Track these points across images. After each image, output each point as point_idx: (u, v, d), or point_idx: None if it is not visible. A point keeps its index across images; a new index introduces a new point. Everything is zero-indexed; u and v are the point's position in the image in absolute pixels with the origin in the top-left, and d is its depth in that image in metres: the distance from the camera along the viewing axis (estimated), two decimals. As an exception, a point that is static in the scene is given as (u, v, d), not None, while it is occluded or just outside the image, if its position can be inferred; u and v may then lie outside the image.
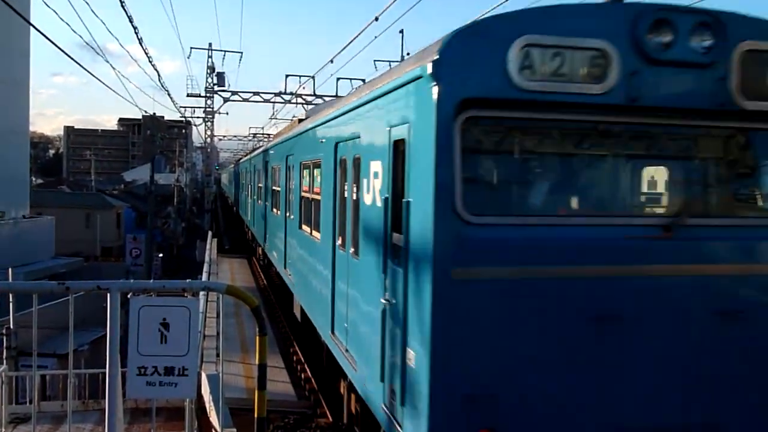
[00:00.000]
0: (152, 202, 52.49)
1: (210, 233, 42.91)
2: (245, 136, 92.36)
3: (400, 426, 6.27)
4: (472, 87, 5.58)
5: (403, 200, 6.24)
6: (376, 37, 29.54)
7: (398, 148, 6.57)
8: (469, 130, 5.73)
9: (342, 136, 9.11)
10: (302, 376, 16.59)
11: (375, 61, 46.16)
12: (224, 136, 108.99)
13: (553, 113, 5.78)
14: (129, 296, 6.35)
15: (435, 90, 5.62)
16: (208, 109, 51.86)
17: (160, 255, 61.00)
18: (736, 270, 6.14)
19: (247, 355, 17.21)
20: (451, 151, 5.60)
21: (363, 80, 47.10)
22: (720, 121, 6.21)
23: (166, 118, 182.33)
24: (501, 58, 5.59)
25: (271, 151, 19.17)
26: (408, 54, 30.17)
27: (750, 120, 6.18)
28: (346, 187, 8.84)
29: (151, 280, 6.73)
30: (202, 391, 10.23)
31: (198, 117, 60.10)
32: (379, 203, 7.15)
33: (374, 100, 7.39)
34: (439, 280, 5.58)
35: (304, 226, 12.74)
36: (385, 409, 6.71)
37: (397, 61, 42.99)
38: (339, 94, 47.66)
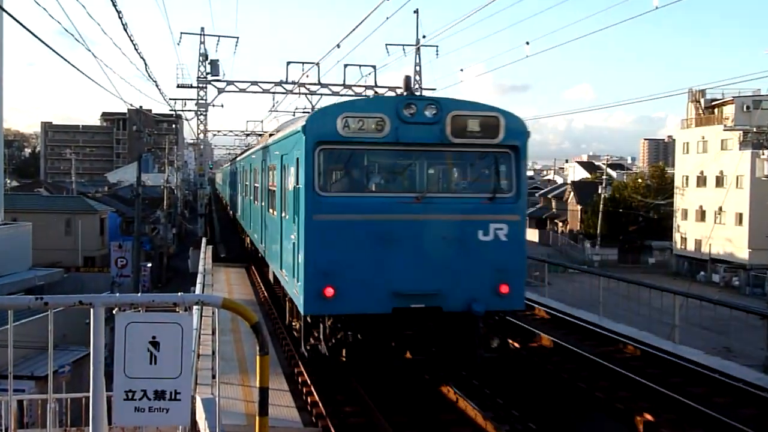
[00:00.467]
0: (139, 205, 52.20)
1: (204, 240, 42.55)
2: (242, 132, 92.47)
3: (292, 289, 16.82)
4: (320, 136, 14.86)
5: (297, 187, 15.94)
6: (388, 17, 30.04)
7: (298, 161, 16.08)
8: (320, 154, 15.28)
9: (283, 152, 19.44)
10: (308, 399, 16.65)
11: (387, 45, 45.77)
12: (219, 131, 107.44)
13: (358, 146, 15.52)
14: (114, 312, 6.32)
15: (304, 137, 15.05)
16: (200, 101, 51.06)
17: (149, 265, 60.50)
18: (451, 218, 16.16)
19: (246, 376, 17.17)
20: (313, 164, 14.78)
21: (374, 67, 46.72)
22: (442, 148, 16.22)
23: (154, 111, 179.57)
24: (333, 123, 14.90)
25: (253, 156, 30.45)
26: (424, 36, 51.32)
27: (456, 147, 16.26)
28: (284, 181, 19.02)
29: (139, 294, 6.75)
30: (197, 417, 10.25)
31: (189, 110, 56.42)
32: (292, 189, 17.24)
33: (289, 137, 17.95)
34: (308, 221, 14.97)
35: (270, 209, 22.61)
36: (288, 284, 17.41)
37: (411, 45, 50.29)
38: (347, 83, 47.50)
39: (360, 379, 18.52)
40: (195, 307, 10.04)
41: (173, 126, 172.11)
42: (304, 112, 51.77)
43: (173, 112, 61.06)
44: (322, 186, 16.50)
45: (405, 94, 17.58)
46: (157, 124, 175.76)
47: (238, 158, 45.54)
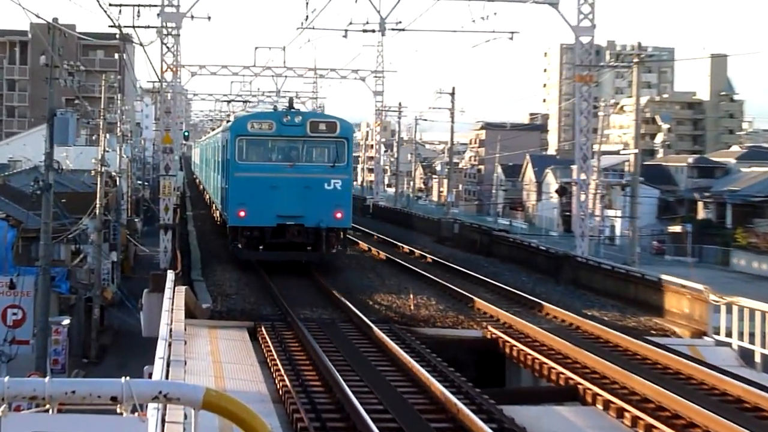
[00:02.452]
0: (50, 208, 33.08)
1: (171, 276, 24.38)
2: (224, 96, 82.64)
3: (225, 214, 36.82)
4: (238, 131, 34.19)
5: (228, 158, 35.29)
6: (356, 0, 41.51)
7: (228, 144, 35.20)
8: (238, 141, 34.10)
9: (223, 136, 38.68)
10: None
11: (346, 30, 49.01)
12: (196, 95, 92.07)
13: (259, 137, 34.10)
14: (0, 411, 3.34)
15: (230, 132, 34.92)
16: (168, 11, 37.26)
17: (66, 322, 38.19)
18: (309, 176, 33.56)
19: None
20: (235, 145, 33.97)
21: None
22: (304, 138, 33.89)
23: (80, 29, 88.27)
24: (245, 125, 34.43)
25: (218, 135, 44.79)
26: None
27: (312, 137, 33.97)
28: (222, 155, 38.44)
29: (47, 378, 3.81)
30: None
31: (147, 27, 37.92)
32: (225, 160, 37.10)
33: (226, 131, 37.95)
34: (232, 175, 34.21)
35: (218, 174, 42.13)
36: (223, 212, 38.33)
37: (371, 30, 50.30)
38: (318, 63, 59.60)
39: (267, 270, 32.78)
40: (152, 405, 6.78)
41: (117, 57, 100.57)
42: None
43: (118, 31, 38.06)
44: (239, 158, 33.70)
45: (288, 108, 35.60)
46: (87, 52, 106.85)
47: (204, 138, 63.96)
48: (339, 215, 33.52)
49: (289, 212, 33.24)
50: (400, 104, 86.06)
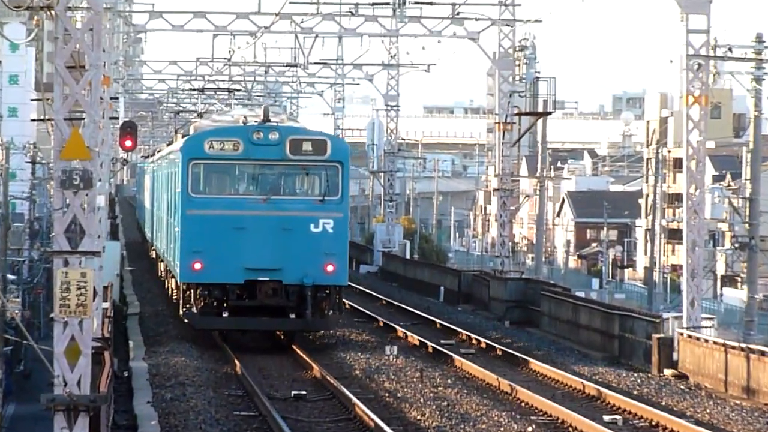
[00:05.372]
0: None
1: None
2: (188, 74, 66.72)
3: (174, 266, 30.13)
4: (192, 154, 28.50)
5: (178, 190, 29.28)
6: None
7: (179, 170, 29.19)
8: (192, 167, 28.47)
9: (173, 160, 33.23)
10: None
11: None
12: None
13: (220, 160, 28.64)
14: None
15: (181, 154, 29.11)
16: None
17: None
18: (289, 214, 27.91)
19: None
20: (187, 173, 28.25)
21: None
22: (283, 163, 28.42)
23: None
24: (201, 145, 28.35)
25: (167, 157, 37.83)
26: None
27: (293, 162, 28.33)
28: (171, 186, 32.96)
29: None
30: None
31: None
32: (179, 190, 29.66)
33: (175, 152, 31.94)
34: (184, 213, 28.31)
35: (165, 212, 35.67)
36: (172, 264, 31.29)
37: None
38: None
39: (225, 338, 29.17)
40: None
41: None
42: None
43: None
44: (192, 190, 28.51)
45: (261, 121, 29.01)
46: None
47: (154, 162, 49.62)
48: (330, 268, 27.57)
49: (261, 264, 27.41)
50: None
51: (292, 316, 27.75)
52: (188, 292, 28.09)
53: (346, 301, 37.38)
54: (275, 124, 29.15)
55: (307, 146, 28.01)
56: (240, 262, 27.27)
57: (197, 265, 27.41)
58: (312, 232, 27.58)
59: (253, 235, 27.45)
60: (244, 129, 28.70)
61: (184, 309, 28.57)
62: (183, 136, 34.76)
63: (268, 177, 28.44)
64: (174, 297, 32.69)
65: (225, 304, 27.58)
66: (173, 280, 32.10)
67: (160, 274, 40.03)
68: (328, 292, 28.02)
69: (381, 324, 36.25)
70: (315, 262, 27.26)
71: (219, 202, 28.01)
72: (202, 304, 27.75)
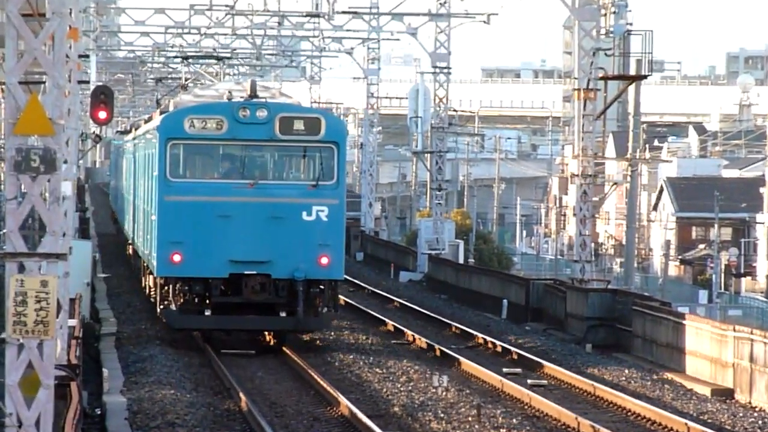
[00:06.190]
0: None
1: None
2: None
3: (151, 259, 33.87)
4: (171, 133, 32.04)
5: (155, 174, 32.82)
6: None
7: (156, 152, 33.00)
8: (171, 148, 32.11)
9: (149, 140, 38.35)
10: None
11: None
12: None
13: (202, 141, 32.35)
14: None
15: (158, 133, 32.75)
16: None
17: None
18: (279, 200, 31.32)
19: None
20: (165, 154, 31.82)
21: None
22: (272, 143, 32.12)
23: None
24: (181, 123, 31.82)
25: (143, 137, 43.03)
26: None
27: (283, 143, 32.11)
28: (147, 168, 38.10)
29: None
30: None
31: None
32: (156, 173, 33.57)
33: (152, 131, 36.26)
34: (162, 201, 31.88)
35: (141, 198, 41.27)
36: (148, 257, 35.81)
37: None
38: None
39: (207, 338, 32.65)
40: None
41: None
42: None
43: None
44: (171, 173, 31.71)
45: (247, 96, 32.30)
46: None
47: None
48: (324, 261, 30.90)
49: (247, 256, 30.72)
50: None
51: (282, 314, 30.86)
52: (166, 288, 31.09)
53: (383, 317, 41.22)
54: (263, 100, 32.45)
55: (298, 125, 30.89)
56: (224, 254, 30.43)
57: (176, 258, 30.55)
58: (304, 221, 30.72)
59: (239, 224, 30.64)
60: (229, 106, 31.77)
61: (161, 306, 31.74)
62: (161, 113, 36.98)
63: (255, 159, 31.84)
64: (151, 296, 35.94)
65: (207, 301, 30.75)
66: (150, 276, 35.43)
67: (144, 284, 41.47)
68: (322, 287, 31.28)
69: (425, 347, 36.14)
70: (307, 254, 30.45)
71: (200, 188, 31.13)
72: (181, 300, 30.77)
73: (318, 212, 30.46)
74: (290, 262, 30.30)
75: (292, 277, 30.19)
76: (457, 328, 41.89)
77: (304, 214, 30.49)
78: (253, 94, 31.90)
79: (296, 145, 31.46)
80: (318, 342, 35.50)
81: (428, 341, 36.90)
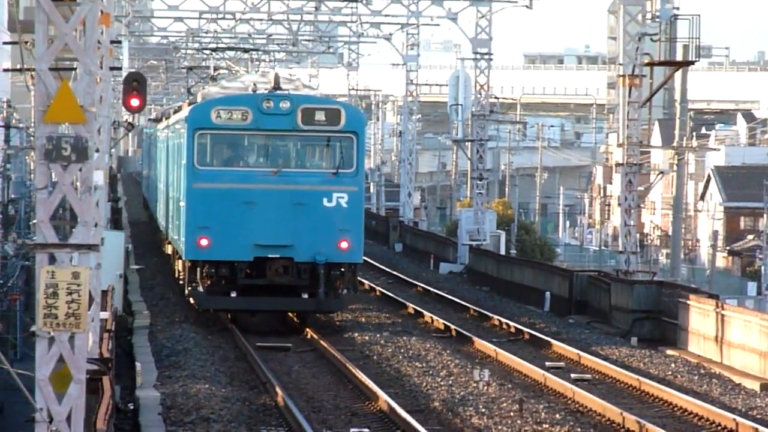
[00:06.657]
0: None
1: None
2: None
3: (180, 243, 37.12)
4: (198, 124, 35.25)
5: (183, 162, 36.35)
6: None
7: (185, 141, 36.54)
8: (198, 138, 35.15)
9: (178, 130, 41.51)
10: None
11: None
12: None
13: (228, 131, 35.33)
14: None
15: (186, 124, 36.03)
16: None
17: None
18: (301, 188, 34.27)
19: None
20: (193, 144, 34.94)
21: None
22: (294, 133, 35.00)
23: None
24: (208, 114, 35.08)
25: (172, 126, 45.95)
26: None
27: (305, 132, 34.87)
28: (176, 158, 41.39)
29: None
30: None
31: None
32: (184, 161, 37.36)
33: (181, 122, 39.25)
34: (190, 187, 34.96)
35: (170, 186, 44.17)
36: (177, 242, 38.98)
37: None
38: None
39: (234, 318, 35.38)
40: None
41: None
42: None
43: None
44: (199, 161, 34.22)
45: (272, 89, 34.83)
46: None
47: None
48: (344, 245, 33.25)
49: (271, 240, 33.06)
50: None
51: (304, 295, 33.40)
52: (194, 271, 33.83)
53: (423, 310, 42.02)
54: (286, 92, 35.28)
55: (320, 116, 33.48)
56: (249, 238, 32.97)
57: (204, 242, 33.09)
58: (325, 207, 33.27)
59: (263, 210, 33.20)
60: (254, 97, 34.54)
61: (189, 288, 34.64)
62: (189, 104, 41.00)
63: (278, 148, 34.54)
64: (180, 279, 39.06)
65: (233, 283, 33.27)
66: (179, 261, 38.32)
67: (174, 270, 43.83)
68: (342, 270, 33.76)
69: (465, 340, 36.14)
70: (328, 239, 33.03)
71: (227, 175, 33.92)
72: (208, 282, 33.37)
73: (338, 199, 32.94)
74: (312, 246, 32.76)
75: (313, 260, 32.70)
76: (497, 321, 41.75)
77: (325, 200, 33.02)
78: (277, 86, 34.53)
79: (317, 134, 34.07)
80: (357, 336, 35.49)
81: (470, 334, 36.84)
